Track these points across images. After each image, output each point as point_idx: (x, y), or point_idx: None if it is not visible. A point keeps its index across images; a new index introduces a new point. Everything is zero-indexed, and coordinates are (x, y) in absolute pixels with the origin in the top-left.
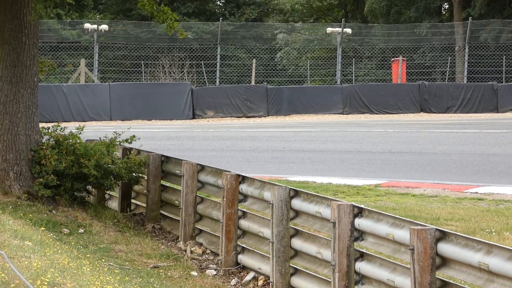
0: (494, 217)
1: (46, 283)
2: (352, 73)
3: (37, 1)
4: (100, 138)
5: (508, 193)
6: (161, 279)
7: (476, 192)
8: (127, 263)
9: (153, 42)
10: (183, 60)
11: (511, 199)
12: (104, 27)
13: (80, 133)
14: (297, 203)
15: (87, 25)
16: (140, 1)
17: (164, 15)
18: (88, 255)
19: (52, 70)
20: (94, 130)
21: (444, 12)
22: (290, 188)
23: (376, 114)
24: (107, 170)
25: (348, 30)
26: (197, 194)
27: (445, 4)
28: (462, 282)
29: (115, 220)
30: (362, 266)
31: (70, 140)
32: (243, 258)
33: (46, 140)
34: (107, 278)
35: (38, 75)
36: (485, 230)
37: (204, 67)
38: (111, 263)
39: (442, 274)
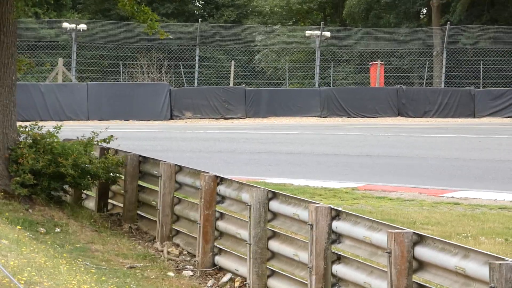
0: (470, 221)
1: (23, 282)
2: (330, 76)
3: None
4: (77, 137)
5: (484, 198)
6: (137, 280)
7: (452, 197)
8: (103, 263)
9: (131, 42)
10: (161, 61)
11: (487, 204)
12: (83, 26)
13: (58, 132)
14: (275, 205)
15: (65, 24)
16: (121, 1)
17: (144, 15)
18: (64, 255)
19: (30, 69)
20: (72, 130)
21: (422, 17)
22: (268, 190)
23: (354, 117)
24: (85, 169)
25: (327, 34)
26: (175, 195)
27: (424, 8)
28: (439, 286)
29: (92, 220)
30: (339, 269)
31: (48, 139)
32: (220, 260)
33: (23, 139)
34: (84, 278)
35: (16, 74)
36: (461, 234)
37: (183, 68)
38: (88, 263)
39: (419, 277)
